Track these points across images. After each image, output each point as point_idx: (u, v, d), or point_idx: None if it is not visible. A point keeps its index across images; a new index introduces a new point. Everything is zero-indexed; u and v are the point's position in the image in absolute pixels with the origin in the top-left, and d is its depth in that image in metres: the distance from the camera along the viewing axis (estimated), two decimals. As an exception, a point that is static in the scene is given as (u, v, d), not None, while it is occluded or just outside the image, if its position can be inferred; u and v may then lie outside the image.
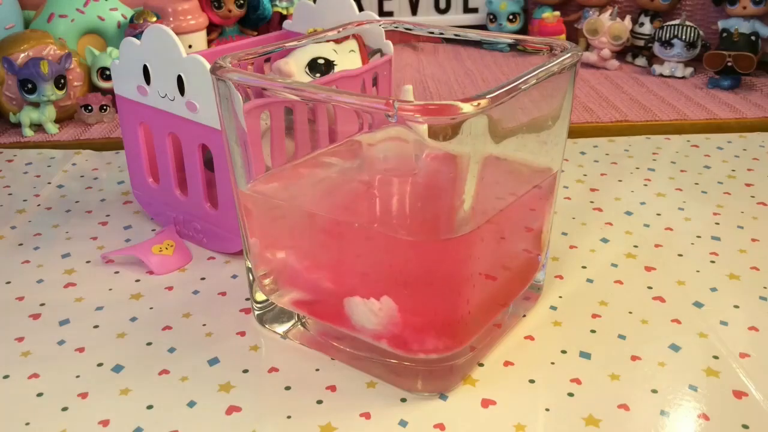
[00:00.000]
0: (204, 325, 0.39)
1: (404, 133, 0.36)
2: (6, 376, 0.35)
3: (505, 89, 0.28)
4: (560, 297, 0.41)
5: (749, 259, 0.44)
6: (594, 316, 0.39)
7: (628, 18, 0.84)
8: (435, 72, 0.42)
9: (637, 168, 0.58)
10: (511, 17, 0.89)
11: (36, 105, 0.67)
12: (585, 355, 0.36)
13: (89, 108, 0.68)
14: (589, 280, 0.43)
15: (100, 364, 0.36)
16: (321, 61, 0.43)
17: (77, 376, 0.35)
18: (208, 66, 0.41)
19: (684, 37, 0.79)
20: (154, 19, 0.74)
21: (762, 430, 0.31)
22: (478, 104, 0.26)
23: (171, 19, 0.75)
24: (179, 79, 0.42)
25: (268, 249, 0.37)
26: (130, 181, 0.50)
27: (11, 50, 0.66)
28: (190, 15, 0.76)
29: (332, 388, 0.34)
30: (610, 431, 0.32)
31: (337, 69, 0.43)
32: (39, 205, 0.53)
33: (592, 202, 0.52)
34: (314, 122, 0.40)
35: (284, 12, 0.85)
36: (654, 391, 0.34)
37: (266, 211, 0.36)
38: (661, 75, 0.81)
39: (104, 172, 0.59)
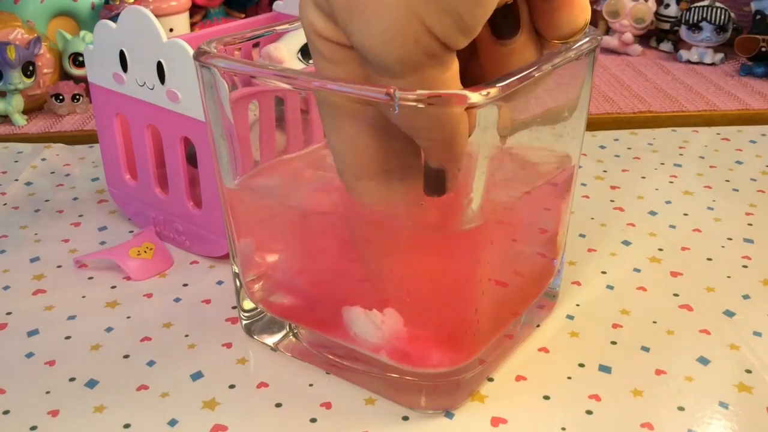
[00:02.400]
0: (186, 335, 0.39)
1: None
2: (-31, 392, 0.35)
3: (517, 77, 0.28)
4: (578, 305, 0.41)
5: (785, 264, 0.45)
6: (615, 326, 0.39)
7: (652, -1, 0.84)
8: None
9: (662, 163, 0.58)
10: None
11: (2, 94, 0.67)
12: (605, 369, 0.36)
13: (60, 97, 0.68)
14: (610, 287, 0.43)
15: (72, 379, 0.36)
16: (315, 46, 0.43)
17: (47, 392, 0.35)
18: (191, 51, 0.41)
19: (713, 19, 0.79)
20: (132, -1, 0.74)
21: (799, 451, 0.32)
22: (488, 93, 0.26)
23: (150, -1, 0.75)
24: (159, 66, 0.42)
25: (257, 252, 0.37)
26: (105, 178, 0.51)
27: (-25, 34, 0.66)
28: (171, -5, 0.76)
29: (327, 405, 0.34)
30: (633, 452, 0.32)
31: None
32: (5, 204, 0.53)
33: (612, 200, 0.52)
34: (308, 113, 0.40)
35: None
36: (681, 409, 0.34)
37: (255, 211, 0.36)
38: (689, 61, 0.81)
39: (77, 167, 0.59)
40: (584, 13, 0.29)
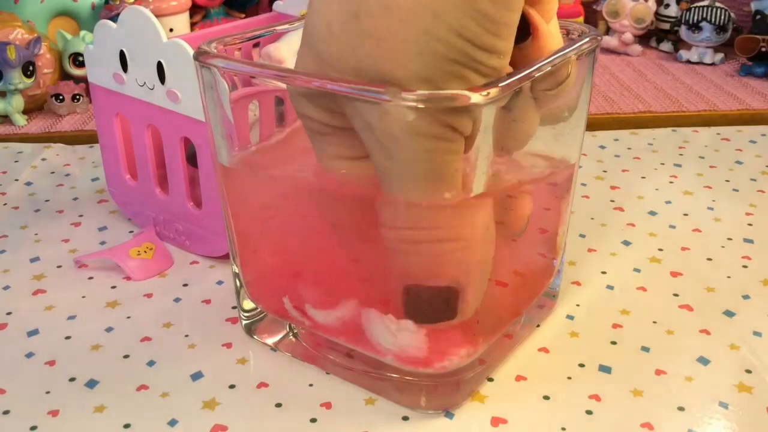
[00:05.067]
0: (186, 335, 0.39)
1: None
2: (-31, 392, 0.35)
3: (517, 77, 0.28)
4: (578, 305, 0.41)
5: (785, 264, 0.45)
6: (615, 326, 0.39)
7: (652, -1, 0.84)
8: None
9: (662, 163, 0.58)
10: (523, -2, 0.89)
11: (2, 94, 0.67)
12: (605, 369, 0.36)
13: (60, 97, 0.68)
14: (610, 287, 0.43)
15: (72, 379, 0.36)
16: (315, 46, 0.43)
17: (47, 392, 0.35)
18: (191, 51, 0.41)
19: (713, 19, 0.79)
20: (132, -1, 0.74)
21: (799, 451, 0.32)
22: (488, 94, 0.26)
23: (150, -1, 0.75)
24: (159, 66, 0.42)
25: (256, 250, 0.37)
26: (105, 178, 0.51)
27: (-25, 34, 0.66)
28: (171, -5, 0.76)
29: (327, 406, 0.34)
30: (633, 452, 0.32)
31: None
32: (5, 204, 0.53)
33: (612, 201, 0.52)
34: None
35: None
36: (681, 409, 0.34)
37: (254, 207, 0.36)
38: (689, 61, 0.81)
39: (77, 167, 0.59)
40: (566, 67, 0.29)
